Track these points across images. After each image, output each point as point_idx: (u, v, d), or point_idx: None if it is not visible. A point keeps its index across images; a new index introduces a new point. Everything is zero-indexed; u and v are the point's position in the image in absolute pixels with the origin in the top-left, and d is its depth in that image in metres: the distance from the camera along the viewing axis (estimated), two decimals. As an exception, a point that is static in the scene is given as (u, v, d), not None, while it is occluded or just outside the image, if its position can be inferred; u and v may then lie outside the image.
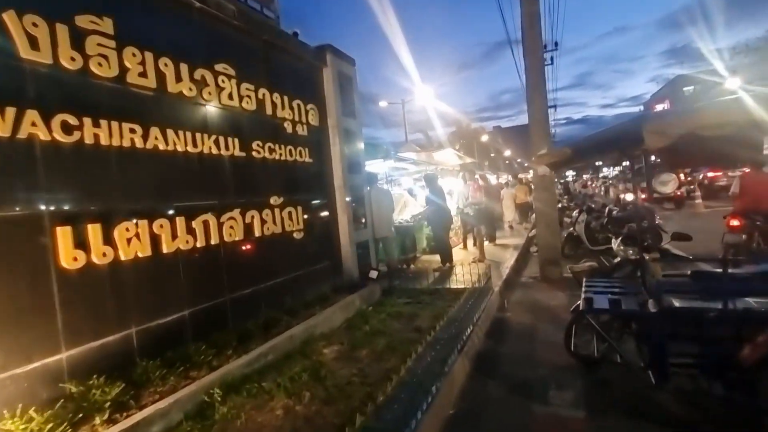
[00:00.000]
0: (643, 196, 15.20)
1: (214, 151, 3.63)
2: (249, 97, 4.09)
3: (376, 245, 6.43)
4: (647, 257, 3.03)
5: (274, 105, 4.45)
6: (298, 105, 4.85)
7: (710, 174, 17.37)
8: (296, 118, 4.80)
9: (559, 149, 2.82)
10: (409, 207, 8.06)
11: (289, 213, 4.50)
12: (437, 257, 7.52)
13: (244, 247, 3.87)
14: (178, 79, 3.34)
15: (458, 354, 3.46)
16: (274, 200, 4.30)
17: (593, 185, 18.93)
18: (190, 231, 3.33)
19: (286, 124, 4.63)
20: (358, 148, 6.01)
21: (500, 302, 5.47)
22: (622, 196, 14.19)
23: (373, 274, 5.48)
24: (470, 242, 9.49)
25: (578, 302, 3.29)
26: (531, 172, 33.64)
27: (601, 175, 39.76)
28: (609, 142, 2.21)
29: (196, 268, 3.38)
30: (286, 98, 4.62)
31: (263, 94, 4.29)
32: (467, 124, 46.12)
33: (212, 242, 3.51)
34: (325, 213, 5.36)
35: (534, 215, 9.52)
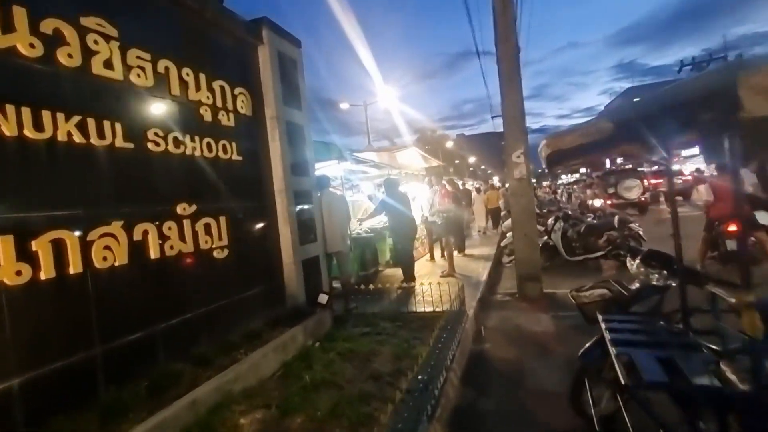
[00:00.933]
0: (609, 202, 15.04)
1: (78, 138, 2.52)
2: (142, 68, 3.00)
3: (329, 261, 5.42)
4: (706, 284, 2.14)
5: (183, 84, 3.38)
6: (222, 88, 3.80)
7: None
8: (219, 104, 3.74)
9: (592, 125, 1.89)
10: (369, 215, 7.11)
11: (206, 225, 3.42)
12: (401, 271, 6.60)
13: (128, 275, 2.76)
14: (7, 28, 2.24)
15: (428, 420, 2.51)
16: (181, 209, 3.21)
17: (559, 191, 18.73)
18: (28, 256, 2.21)
19: (203, 111, 3.56)
20: (306, 146, 5.00)
21: (476, 328, 4.59)
22: (590, 202, 13.92)
23: (323, 298, 4.46)
24: (438, 252, 8.66)
25: (588, 345, 2.42)
26: (495, 178, 33.50)
27: (559, 182, 40.55)
28: (685, 106, 1.38)
29: (35, 312, 2.25)
30: (203, 77, 3.56)
31: (166, 68, 3.22)
32: (432, 131, 46.04)
33: (71, 271, 2.40)
34: (262, 224, 4.30)
35: (505, 222, 8.81)
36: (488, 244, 10.64)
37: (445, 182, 9.40)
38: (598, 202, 13.60)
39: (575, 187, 26.33)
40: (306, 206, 4.89)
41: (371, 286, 5.00)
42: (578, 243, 7.28)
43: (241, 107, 4.06)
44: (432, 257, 8.83)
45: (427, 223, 8.29)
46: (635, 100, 1.84)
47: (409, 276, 6.45)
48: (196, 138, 3.43)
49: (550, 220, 7.57)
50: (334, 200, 5.35)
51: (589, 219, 7.82)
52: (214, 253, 3.51)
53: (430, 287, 6.11)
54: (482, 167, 55.31)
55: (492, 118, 26.74)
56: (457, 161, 47.04)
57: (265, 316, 4.04)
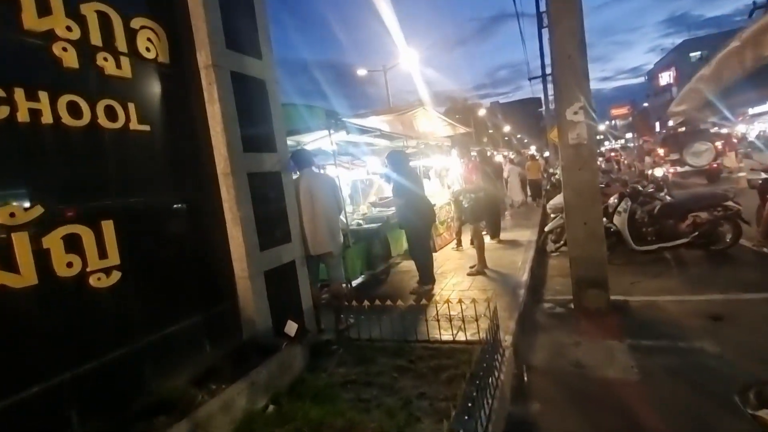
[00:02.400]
0: (672, 170, 12.79)
1: None
2: None
3: (314, 266, 4.08)
4: None
5: (16, 4, 2.02)
6: (104, 16, 2.41)
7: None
8: (95, 41, 2.36)
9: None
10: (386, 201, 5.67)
11: (70, 238, 2.11)
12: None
13: None
14: None
15: None
16: (8, 216, 1.90)
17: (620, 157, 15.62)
18: None
19: (59, 50, 2.19)
20: (270, 109, 3.58)
21: (517, 372, 3.12)
22: (649, 171, 11.79)
23: (291, 328, 3.11)
24: (467, 238, 7.13)
25: None
26: (532, 147, 30.92)
27: (603, 148, 36.82)
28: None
29: None
30: (60, -4, 2.18)
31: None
32: (464, 100, 43.27)
33: None
34: (192, 225, 2.97)
35: (552, 200, 7.12)
36: (527, 224, 8.97)
37: (475, 154, 7.76)
38: (659, 172, 11.47)
39: (622, 153, 23.52)
40: (272, 194, 3.51)
41: (366, 303, 3.60)
42: (651, 228, 5.55)
43: (147, 50, 2.66)
44: (459, 244, 7.33)
45: (456, 202, 6.74)
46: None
47: (427, 276, 5.02)
48: (45, 95, 2.08)
49: (612, 199, 5.83)
50: (318, 184, 3.94)
51: (662, 195, 6.01)
52: (92, 280, 2.21)
53: (453, 292, 4.67)
54: (518, 136, 51.95)
55: (530, 80, 24.07)
56: (491, 131, 44.25)
57: (199, 362, 2.76)
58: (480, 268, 5.50)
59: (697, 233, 5.27)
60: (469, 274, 5.48)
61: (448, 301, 3.34)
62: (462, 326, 3.32)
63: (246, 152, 3.22)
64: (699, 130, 13.49)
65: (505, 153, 18.43)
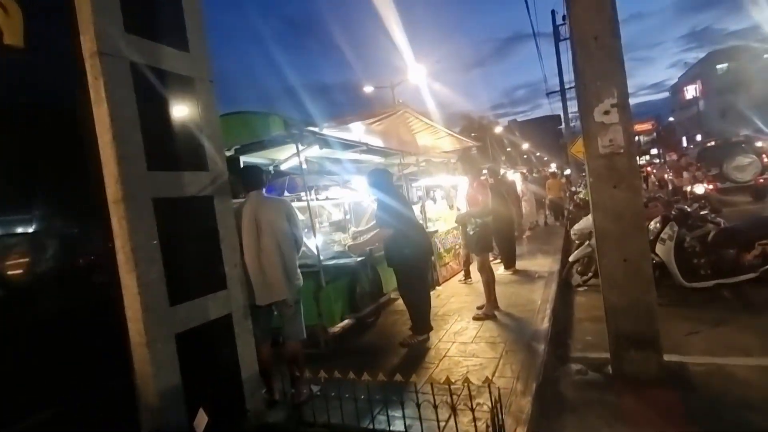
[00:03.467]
0: (710, 186, 11.47)
1: None
2: None
3: (266, 318, 3.16)
4: None
5: None
6: None
7: None
8: None
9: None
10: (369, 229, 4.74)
11: None
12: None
13: None
14: None
15: None
16: None
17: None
18: None
19: None
20: (197, 115, 2.74)
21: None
22: (688, 188, 10.54)
23: (200, 421, 2.16)
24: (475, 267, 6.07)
25: None
26: (553, 165, 29.68)
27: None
28: None
29: None
30: None
31: None
32: (480, 117, 42.44)
33: None
34: (65, 272, 2.11)
35: (577, 225, 6.06)
36: (547, 249, 7.85)
37: (485, 171, 6.80)
38: (700, 189, 10.20)
39: (648, 169, 21.91)
40: (196, 226, 2.64)
41: (323, 376, 2.63)
42: (705, 259, 4.43)
43: (-18, 25, 1.87)
44: (468, 276, 6.30)
45: (462, 227, 5.73)
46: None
47: (422, 324, 4.03)
48: None
49: (654, 223, 4.75)
50: (268, 211, 3.05)
51: (714, 217, 4.89)
52: None
53: (453, 346, 3.67)
54: (537, 154, 50.57)
55: (548, 95, 23.14)
56: (508, 149, 43.17)
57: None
58: (489, 311, 4.46)
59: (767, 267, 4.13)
60: (475, 318, 4.45)
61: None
62: (467, 389, 2.28)
63: (153, 170, 2.36)
64: (735, 143, 12.24)
65: (523, 170, 17.34)
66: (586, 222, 5.44)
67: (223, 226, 2.78)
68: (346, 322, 4.33)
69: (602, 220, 3.01)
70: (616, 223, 2.95)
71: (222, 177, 2.85)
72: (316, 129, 3.77)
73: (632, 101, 3.09)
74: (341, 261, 4.06)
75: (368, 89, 14.62)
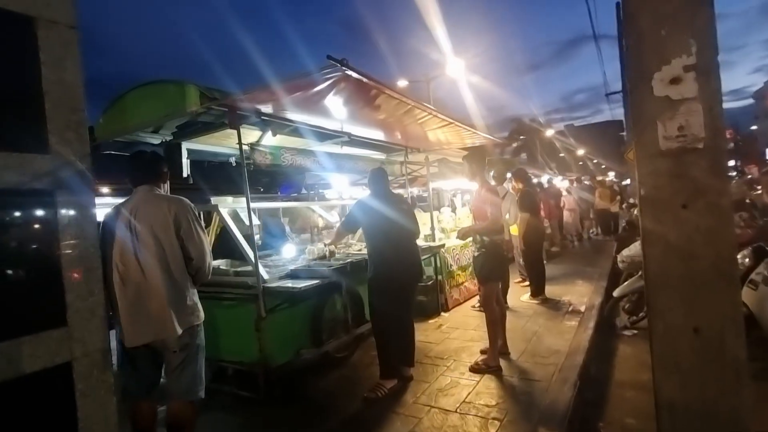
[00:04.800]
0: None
1: None
2: None
3: (145, 364, 2.26)
4: None
5: None
6: None
7: None
8: None
9: None
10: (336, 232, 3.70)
11: None
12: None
13: None
14: None
15: None
16: None
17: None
18: None
19: None
20: (36, 71, 1.88)
21: None
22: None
23: None
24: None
25: None
26: (611, 174, 27.27)
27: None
28: None
29: None
30: None
31: None
32: (532, 119, 39.93)
33: None
34: None
35: (627, 250, 4.73)
36: (590, 272, 6.44)
37: (510, 177, 5.62)
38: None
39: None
40: (11, 232, 1.78)
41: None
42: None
43: None
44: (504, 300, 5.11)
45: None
46: None
47: (386, 366, 3.04)
48: None
49: (739, 257, 3.37)
50: (147, 215, 2.15)
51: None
52: None
53: (427, 420, 2.62)
54: (595, 161, 46.95)
55: (607, 96, 20.83)
56: (561, 154, 40.35)
57: None
58: (492, 361, 3.31)
59: None
60: (473, 369, 3.32)
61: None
62: None
63: None
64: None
65: (573, 177, 15.58)
66: (638, 248, 4.12)
67: (68, 235, 1.92)
68: (308, 354, 3.36)
69: (659, 259, 1.82)
70: (685, 267, 1.75)
71: (73, 164, 1.99)
72: (269, 112, 2.84)
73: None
74: (297, 283, 3.10)
75: (402, 83, 13.62)
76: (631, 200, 13.37)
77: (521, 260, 5.79)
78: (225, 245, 4.93)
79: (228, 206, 3.51)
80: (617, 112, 42.64)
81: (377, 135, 4.52)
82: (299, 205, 5.69)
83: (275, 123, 3.11)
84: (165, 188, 2.38)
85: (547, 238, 8.97)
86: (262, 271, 3.07)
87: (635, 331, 4.26)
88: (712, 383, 1.74)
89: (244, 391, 3.17)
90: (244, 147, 2.94)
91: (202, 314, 2.31)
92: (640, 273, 4.13)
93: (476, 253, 3.54)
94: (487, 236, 3.41)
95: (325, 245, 3.82)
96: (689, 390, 1.78)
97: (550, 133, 31.85)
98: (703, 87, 1.68)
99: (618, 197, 11.67)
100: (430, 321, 4.79)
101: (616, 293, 4.28)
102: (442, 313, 5.01)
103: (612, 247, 8.81)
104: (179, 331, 2.13)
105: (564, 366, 3.28)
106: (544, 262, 6.51)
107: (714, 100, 1.70)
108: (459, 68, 13.05)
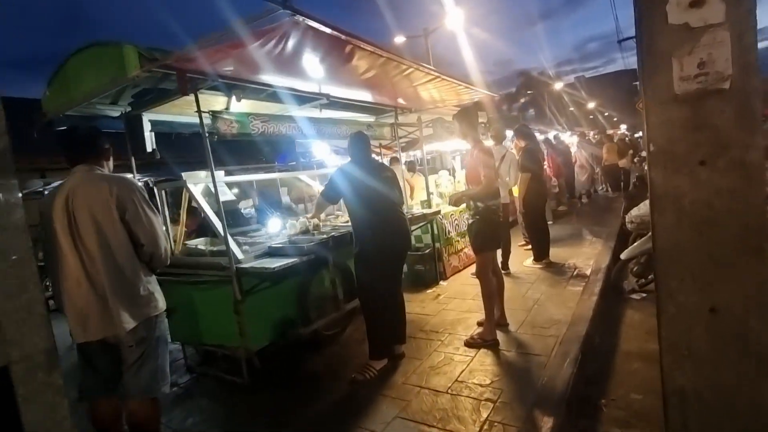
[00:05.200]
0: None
1: None
2: None
3: (104, 360, 2.08)
4: None
5: None
6: None
7: None
8: None
9: None
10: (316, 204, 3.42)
11: None
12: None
13: None
14: None
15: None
16: None
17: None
18: None
19: None
20: None
21: None
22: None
23: None
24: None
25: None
26: (623, 126, 26.26)
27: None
28: None
29: None
30: None
31: None
32: (541, 72, 38.24)
33: None
34: None
35: (636, 210, 4.43)
36: (598, 232, 6.15)
37: (512, 135, 5.25)
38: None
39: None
40: None
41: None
42: None
43: None
44: (505, 266, 4.89)
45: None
46: None
47: (375, 346, 2.87)
48: None
49: None
50: (86, 197, 1.89)
51: None
52: None
53: (417, 401, 2.46)
54: (606, 114, 45.22)
55: (619, 42, 19.71)
56: (571, 108, 38.90)
57: None
58: (488, 335, 3.11)
59: None
60: (467, 344, 3.14)
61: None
62: None
63: None
64: None
65: (582, 131, 14.96)
66: (648, 207, 3.80)
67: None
68: (299, 333, 3.20)
69: (671, 229, 1.53)
70: (702, 238, 1.47)
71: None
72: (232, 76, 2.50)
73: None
74: (273, 263, 2.86)
75: (399, 40, 12.81)
76: (643, 153, 12.82)
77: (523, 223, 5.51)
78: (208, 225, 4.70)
79: (201, 181, 3.25)
80: (630, 61, 40.39)
81: (362, 96, 4.15)
82: (284, 176, 5.40)
83: (239, 86, 2.78)
84: (109, 166, 2.11)
85: (554, 197, 8.63)
86: (236, 249, 2.85)
87: (644, 295, 4.02)
88: (729, 371, 1.50)
89: (231, 376, 3.04)
90: (205, 115, 2.63)
91: (161, 303, 2.10)
92: (650, 233, 3.85)
93: (470, 221, 3.26)
94: (481, 202, 3.12)
95: (307, 219, 3.57)
96: (703, 377, 1.55)
97: (559, 86, 30.47)
98: (731, 8, 1.33)
99: (630, 151, 11.11)
100: (428, 291, 4.60)
101: (623, 255, 4.00)
102: (441, 282, 4.82)
103: (622, 206, 8.45)
104: (131, 324, 1.93)
105: (565, 338, 3.07)
106: (550, 222, 6.24)
107: (745, 25, 1.35)
108: (459, 20, 12.21)
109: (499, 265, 3.43)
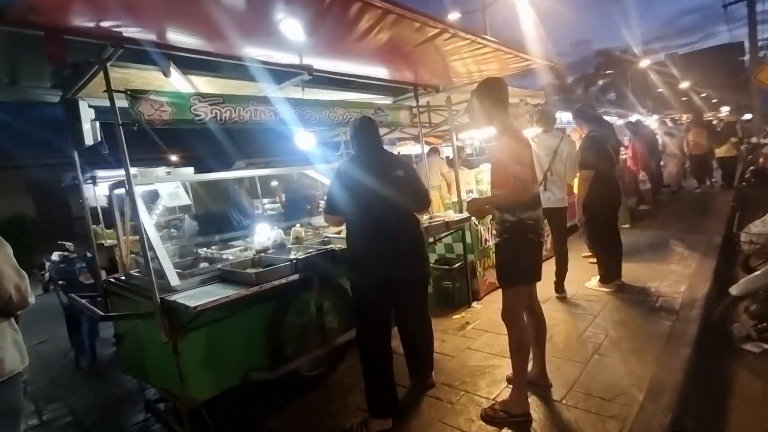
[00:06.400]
0: None
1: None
2: None
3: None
4: None
5: None
6: None
7: None
8: None
9: None
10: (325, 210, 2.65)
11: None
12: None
13: None
14: None
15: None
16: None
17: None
18: None
19: None
20: None
21: None
22: None
23: None
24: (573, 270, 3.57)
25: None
26: (724, 108, 22.25)
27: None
28: None
29: None
30: None
31: None
32: (623, 51, 34.08)
33: None
34: None
35: (752, 225, 3.10)
36: (691, 242, 4.70)
37: (573, 120, 4.09)
38: None
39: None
40: None
41: None
42: None
43: None
44: (560, 287, 3.83)
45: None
46: None
47: (371, 400, 2.07)
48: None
49: None
50: None
51: None
52: None
53: None
54: (703, 94, 39.34)
55: (724, 7, 16.54)
56: (659, 89, 34.34)
57: None
58: (515, 407, 2.15)
59: None
60: (485, 418, 2.19)
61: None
62: None
63: None
64: None
65: (674, 116, 12.66)
66: (761, 225, 2.55)
67: None
68: (263, 374, 2.49)
69: None
70: None
71: None
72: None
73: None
74: (203, 298, 2.09)
75: (453, 17, 11.53)
76: (754, 139, 10.37)
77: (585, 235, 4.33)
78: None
79: (151, 182, 2.62)
80: (738, 33, 34.32)
81: (361, 70, 3.26)
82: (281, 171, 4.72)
83: (171, 55, 2.07)
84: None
85: (636, 194, 7.12)
86: (169, 273, 2.17)
87: (766, 346, 2.77)
88: None
89: (178, 426, 2.42)
90: (116, 97, 1.95)
91: (11, 364, 1.47)
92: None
93: (496, 239, 2.29)
94: (510, 214, 2.14)
95: (278, 230, 2.82)
96: None
97: (645, 64, 26.80)
98: None
99: (731, 138, 8.90)
100: (455, 316, 3.67)
101: (735, 290, 2.75)
102: (473, 304, 3.86)
103: (722, 205, 6.71)
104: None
105: (638, 422, 2.02)
106: (626, 226, 4.95)
107: None
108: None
109: (539, 300, 2.41)
